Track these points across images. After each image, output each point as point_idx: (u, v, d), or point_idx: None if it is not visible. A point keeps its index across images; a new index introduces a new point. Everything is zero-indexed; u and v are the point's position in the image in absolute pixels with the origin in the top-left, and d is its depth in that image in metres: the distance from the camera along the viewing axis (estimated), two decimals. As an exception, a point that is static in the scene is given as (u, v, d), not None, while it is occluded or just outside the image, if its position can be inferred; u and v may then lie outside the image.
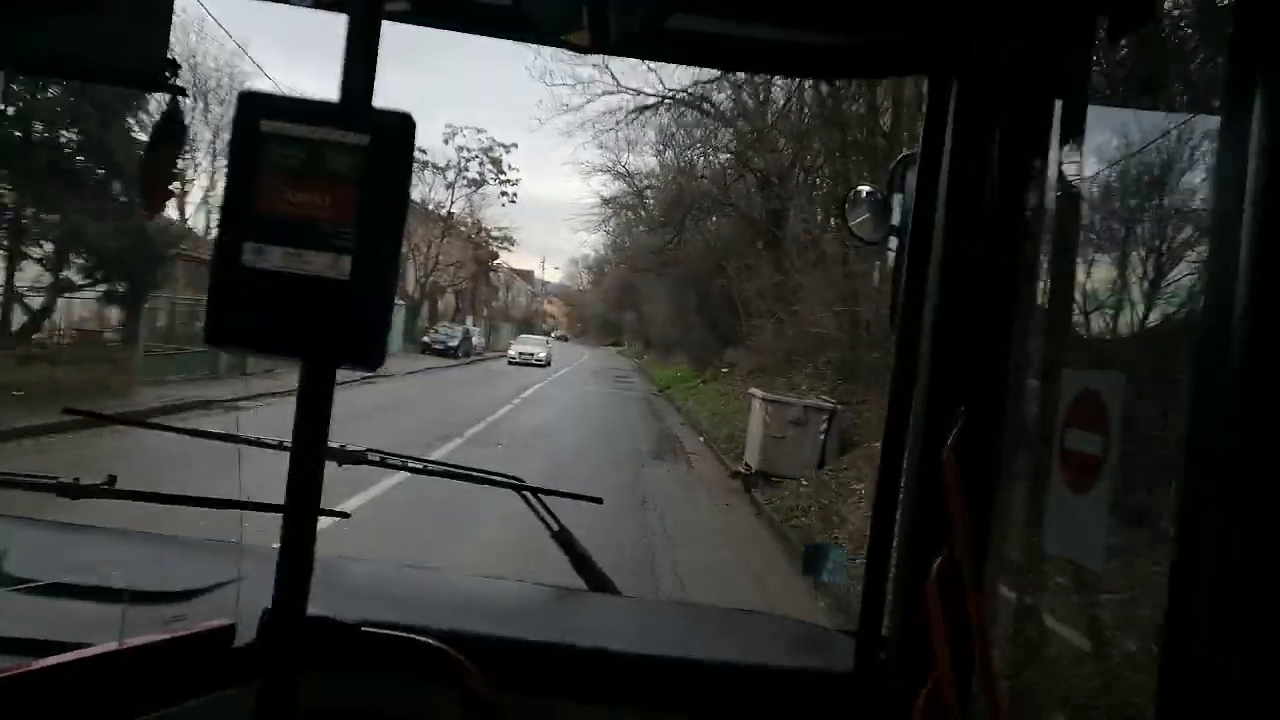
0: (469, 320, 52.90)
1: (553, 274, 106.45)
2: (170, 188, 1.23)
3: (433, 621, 1.43)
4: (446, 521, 8.24)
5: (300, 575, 1.16)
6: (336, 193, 1.00)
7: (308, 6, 1.40)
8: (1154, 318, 1.62)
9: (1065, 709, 1.54)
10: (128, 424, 2.19)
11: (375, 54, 1.12)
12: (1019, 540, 1.49)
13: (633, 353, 73.51)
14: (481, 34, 1.60)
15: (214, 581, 1.47)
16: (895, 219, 1.72)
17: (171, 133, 1.23)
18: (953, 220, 1.45)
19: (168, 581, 1.46)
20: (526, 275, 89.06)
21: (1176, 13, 1.43)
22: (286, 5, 1.48)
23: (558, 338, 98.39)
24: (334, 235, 1.00)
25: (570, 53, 1.40)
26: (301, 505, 1.16)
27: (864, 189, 1.89)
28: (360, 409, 14.96)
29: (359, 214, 1.00)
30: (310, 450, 1.14)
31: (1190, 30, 1.36)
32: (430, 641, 1.28)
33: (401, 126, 1.01)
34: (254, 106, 1.00)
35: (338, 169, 0.99)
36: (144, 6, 1.26)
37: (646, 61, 19.94)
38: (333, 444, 1.63)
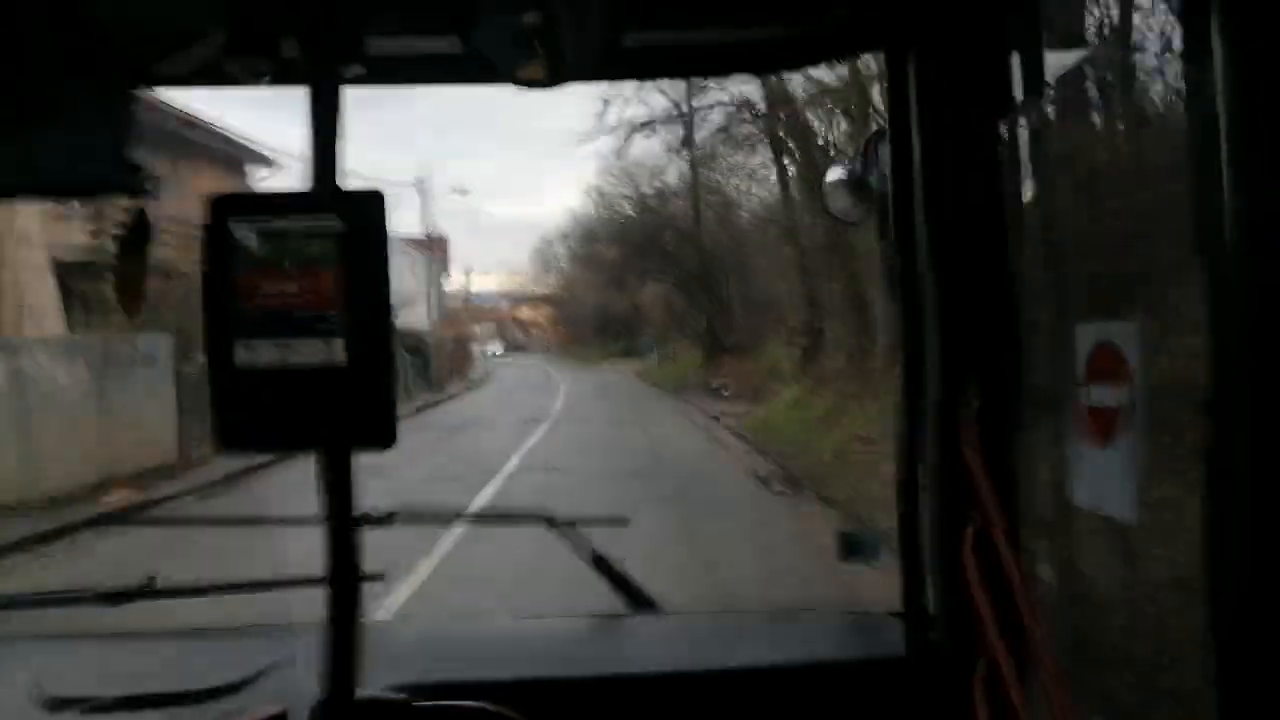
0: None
1: (502, 280, 72.98)
2: (143, 289, 1.23)
3: (483, 674, 1.43)
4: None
5: (346, 651, 1.17)
6: (317, 279, 1.00)
7: (266, 84, 1.40)
8: (1149, 261, 1.62)
9: (1120, 661, 1.54)
10: (156, 524, 2.19)
11: (338, 123, 1.12)
12: (1048, 500, 1.49)
13: (671, 374, 33.47)
14: (437, 83, 1.60)
15: (263, 667, 1.47)
16: (875, 196, 1.72)
17: (139, 238, 1.23)
18: (932, 190, 1.45)
19: (217, 676, 1.46)
20: (433, 246, 41.56)
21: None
22: (246, 87, 1.48)
23: (499, 355, 69.31)
24: (321, 320, 1.00)
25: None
26: (341, 580, 1.16)
27: (838, 169, 1.89)
28: None
29: (343, 297, 1.00)
30: (342, 525, 1.14)
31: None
32: (488, 707, 1.27)
33: (372, 204, 1.02)
34: (223, 208, 1.01)
35: (314, 255, 1.00)
36: (104, 114, 1.26)
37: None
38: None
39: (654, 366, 38.68)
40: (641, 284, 40.81)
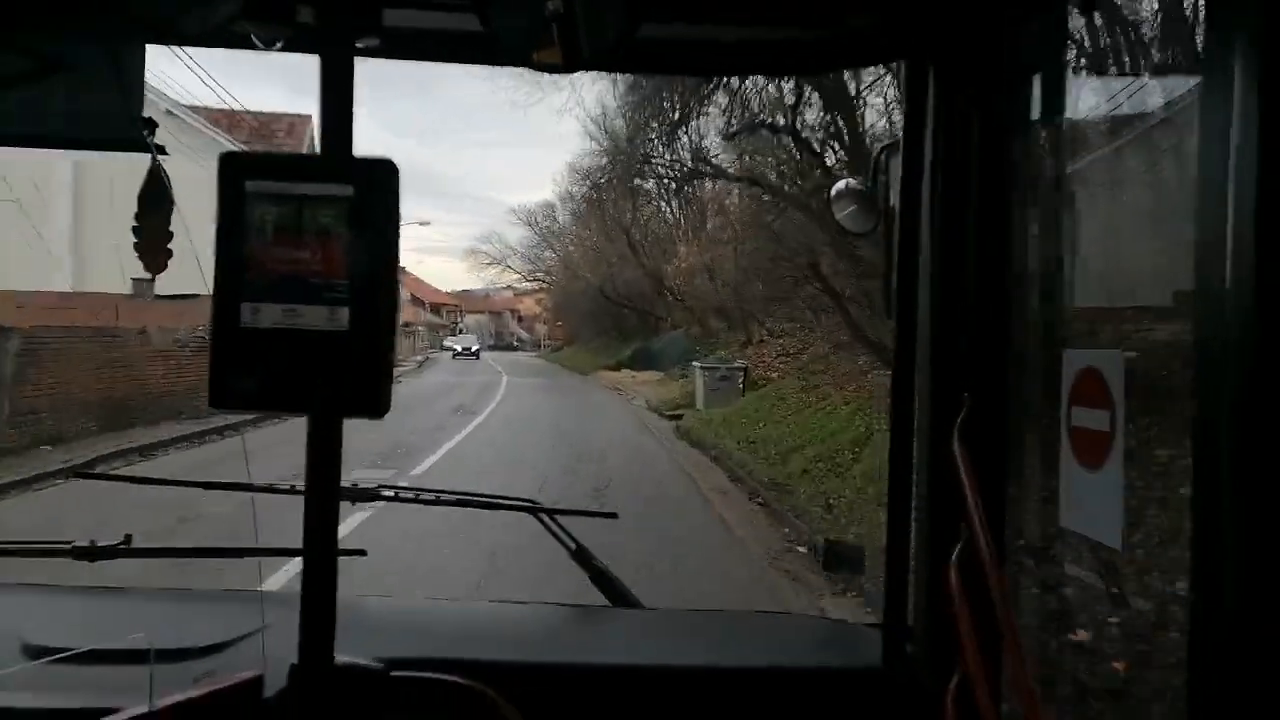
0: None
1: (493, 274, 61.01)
2: (168, 246, 1.24)
3: (461, 653, 1.43)
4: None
5: (325, 620, 1.17)
6: (326, 245, 1.00)
7: (279, 50, 1.40)
8: (1150, 290, 1.62)
9: (1096, 687, 1.54)
10: (140, 482, 2.19)
11: (351, 92, 1.12)
12: (1035, 521, 1.49)
13: (758, 435, 13.37)
14: (454, 61, 1.59)
15: (239, 633, 1.47)
16: (881, 208, 1.72)
17: (158, 193, 1.24)
18: (940, 206, 1.45)
19: (193, 637, 1.46)
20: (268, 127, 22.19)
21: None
22: (258, 50, 1.48)
23: (466, 355, 55.01)
24: (328, 288, 1.00)
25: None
26: (320, 551, 1.16)
27: (847, 181, 1.89)
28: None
29: (350, 264, 1.00)
30: (324, 496, 1.14)
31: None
32: (462, 680, 1.28)
33: (384, 174, 1.02)
34: (236, 168, 1.01)
35: (325, 222, 1.00)
36: (115, 69, 1.26)
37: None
38: (343, 483, 1.63)
39: (691, 396, 20.26)
40: (683, 229, 21.53)
